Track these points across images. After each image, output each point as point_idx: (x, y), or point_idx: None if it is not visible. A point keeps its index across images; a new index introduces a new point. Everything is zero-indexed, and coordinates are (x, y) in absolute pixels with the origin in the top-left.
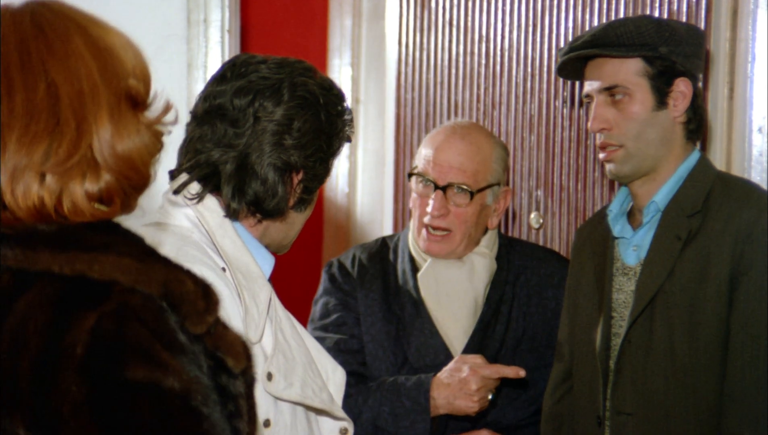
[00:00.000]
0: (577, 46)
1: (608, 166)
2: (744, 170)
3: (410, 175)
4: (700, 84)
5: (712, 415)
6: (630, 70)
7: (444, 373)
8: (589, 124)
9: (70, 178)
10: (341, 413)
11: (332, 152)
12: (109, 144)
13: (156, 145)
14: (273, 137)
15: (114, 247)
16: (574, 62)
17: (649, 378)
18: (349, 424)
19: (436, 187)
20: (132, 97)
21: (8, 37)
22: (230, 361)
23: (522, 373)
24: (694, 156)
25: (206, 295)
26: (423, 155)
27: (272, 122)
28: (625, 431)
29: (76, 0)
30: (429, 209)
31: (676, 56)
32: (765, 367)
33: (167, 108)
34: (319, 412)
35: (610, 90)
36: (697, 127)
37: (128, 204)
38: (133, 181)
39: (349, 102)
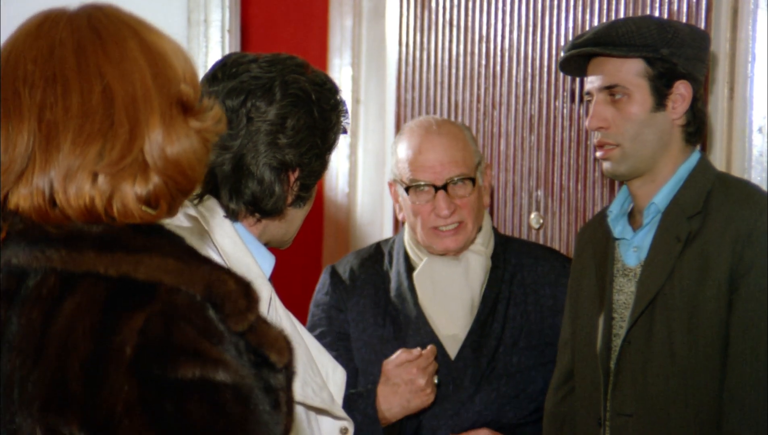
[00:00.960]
0: (579, 43)
1: (604, 165)
2: (744, 170)
3: (407, 188)
4: (702, 88)
5: (712, 416)
6: (630, 71)
7: (383, 385)
8: (586, 122)
9: (122, 179)
10: (341, 413)
11: (328, 147)
12: (160, 147)
13: (203, 150)
14: (267, 137)
15: (158, 249)
16: (577, 59)
17: (649, 379)
18: (349, 424)
19: (437, 188)
20: (183, 102)
21: (66, 40)
22: (274, 356)
23: (429, 346)
24: (694, 157)
25: (247, 293)
26: (405, 162)
27: (266, 122)
28: (625, 432)
29: (77, 2)
30: (440, 212)
31: (677, 58)
32: (765, 369)
33: (216, 115)
34: (319, 411)
35: (609, 89)
36: (696, 130)
37: (173, 208)
38: (180, 184)
39: (349, 102)
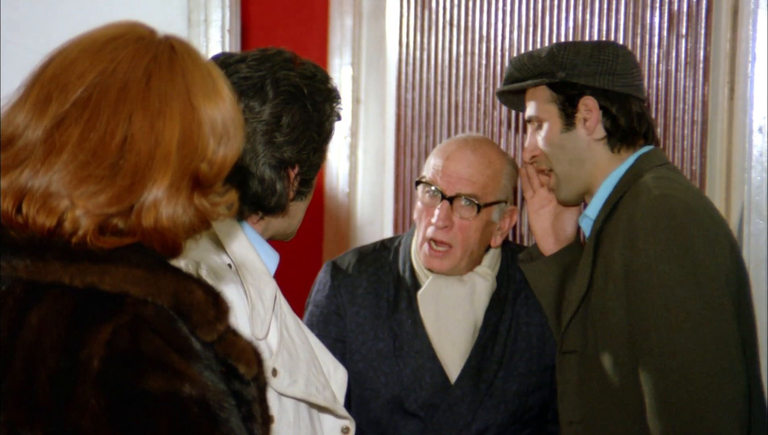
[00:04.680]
0: (504, 81)
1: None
2: (744, 170)
3: (417, 183)
4: (637, 94)
5: (642, 414)
6: (541, 99)
7: None
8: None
9: (97, 220)
10: (343, 412)
11: (324, 138)
12: (152, 211)
13: (199, 225)
14: (264, 137)
15: (124, 258)
16: (514, 95)
17: (585, 385)
18: (350, 423)
19: (444, 197)
20: (197, 179)
21: (117, 72)
22: (242, 367)
23: None
24: (628, 162)
25: (216, 303)
26: (432, 165)
27: (261, 122)
28: None
29: (77, 1)
30: (433, 220)
31: (576, 78)
32: (665, 355)
33: (229, 201)
34: (322, 409)
35: (530, 121)
36: (624, 135)
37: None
38: (156, 249)
39: (349, 102)
